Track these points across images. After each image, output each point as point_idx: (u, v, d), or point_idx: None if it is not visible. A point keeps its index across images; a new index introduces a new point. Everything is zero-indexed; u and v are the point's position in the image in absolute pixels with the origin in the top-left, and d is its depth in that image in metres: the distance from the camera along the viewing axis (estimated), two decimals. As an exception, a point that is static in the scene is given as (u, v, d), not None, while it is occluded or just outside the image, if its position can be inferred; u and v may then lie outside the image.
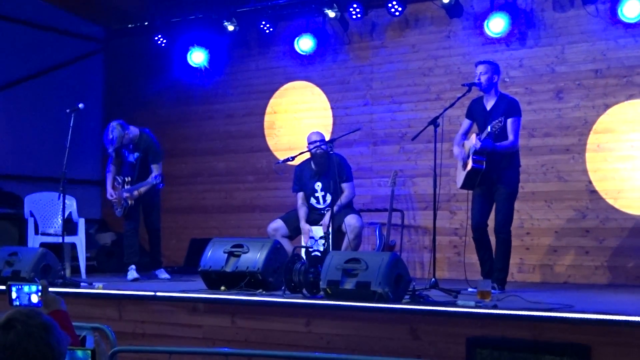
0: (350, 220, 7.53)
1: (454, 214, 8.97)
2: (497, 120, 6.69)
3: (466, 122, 7.28)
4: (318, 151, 7.81)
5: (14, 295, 3.34)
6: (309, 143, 7.92)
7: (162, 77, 10.99)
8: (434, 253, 7.02)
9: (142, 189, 8.29)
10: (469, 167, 6.89)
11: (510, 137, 6.87)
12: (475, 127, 7.18)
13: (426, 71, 9.37)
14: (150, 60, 11.06)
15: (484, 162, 6.80)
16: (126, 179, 8.36)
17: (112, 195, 8.40)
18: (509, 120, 6.89)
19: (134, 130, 8.40)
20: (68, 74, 11.20)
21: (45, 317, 2.23)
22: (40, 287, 3.27)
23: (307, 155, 8.03)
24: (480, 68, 7.10)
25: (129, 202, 8.30)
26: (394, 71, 9.59)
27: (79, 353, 2.47)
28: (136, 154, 8.39)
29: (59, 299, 3.26)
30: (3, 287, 5.80)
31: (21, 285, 3.35)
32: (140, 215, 8.53)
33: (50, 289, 3.32)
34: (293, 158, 7.79)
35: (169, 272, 9.34)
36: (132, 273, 8.22)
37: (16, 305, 3.33)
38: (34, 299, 3.30)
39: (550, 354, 4.93)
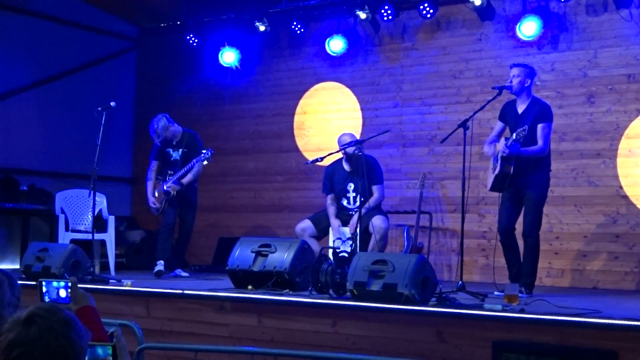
0: (377, 221, 7.53)
1: (482, 217, 8.94)
2: (521, 129, 6.68)
3: (499, 125, 7.26)
4: (355, 152, 7.79)
5: (44, 290, 3.39)
6: (344, 144, 7.90)
7: (194, 77, 11.06)
8: (462, 256, 7.00)
9: (188, 176, 8.39)
10: (497, 171, 6.88)
11: (540, 142, 6.84)
12: (508, 131, 7.15)
13: (457, 74, 9.34)
14: (182, 59, 11.13)
15: (512, 167, 6.78)
16: (169, 171, 8.48)
17: (154, 204, 8.55)
18: (539, 126, 6.86)
19: (177, 127, 8.54)
20: (101, 72, 11.30)
21: (66, 312, 2.26)
22: (69, 284, 3.31)
23: (337, 156, 8.04)
24: (514, 71, 7.07)
25: (172, 192, 8.35)
26: (425, 73, 9.57)
27: (99, 349, 2.49)
28: (180, 150, 8.51)
29: (88, 295, 3.31)
30: (32, 282, 5.87)
31: (51, 281, 3.41)
32: (177, 213, 8.60)
33: (79, 286, 3.37)
34: (322, 159, 7.81)
35: (196, 271, 9.43)
36: (159, 267, 8.32)
37: (46, 301, 3.38)
38: (63, 294, 3.35)
39: (577, 359, 4.91)
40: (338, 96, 10.18)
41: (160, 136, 8.39)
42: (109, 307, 6.58)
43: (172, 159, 8.54)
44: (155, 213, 8.61)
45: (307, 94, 10.44)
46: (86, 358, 2.50)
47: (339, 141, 8.00)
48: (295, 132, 10.51)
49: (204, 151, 8.31)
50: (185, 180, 8.39)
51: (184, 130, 8.63)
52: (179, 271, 8.55)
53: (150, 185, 8.63)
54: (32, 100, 10.57)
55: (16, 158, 10.25)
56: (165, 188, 8.37)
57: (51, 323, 2.20)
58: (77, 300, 3.27)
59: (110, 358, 2.45)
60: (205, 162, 8.37)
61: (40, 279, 3.46)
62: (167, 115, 8.51)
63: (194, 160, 8.32)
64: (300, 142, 10.43)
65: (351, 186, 7.92)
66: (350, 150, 7.81)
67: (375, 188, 7.83)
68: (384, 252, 7.55)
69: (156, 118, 8.49)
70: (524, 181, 6.87)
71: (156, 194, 8.51)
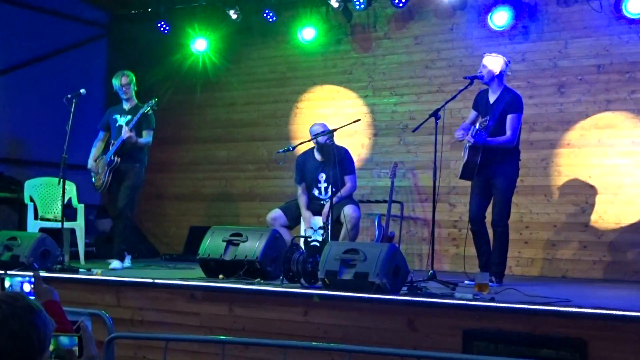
0: (348, 211, 7.54)
1: (453, 206, 8.98)
2: (483, 119, 6.75)
3: (472, 113, 7.30)
4: (327, 141, 7.78)
5: (7, 284, 3.37)
6: (315, 134, 7.87)
7: (165, 64, 10.97)
8: (432, 245, 7.04)
9: (128, 133, 7.87)
10: (465, 159, 6.93)
11: (508, 132, 6.87)
12: (480, 119, 7.19)
13: (429, 63, 9.36)
14: (153, 46, 11.03)
15: (479, 157, 6.83)
16: (112, 141, 8.10)
17: (91, 165, 8.18)
18: (509, 117, 6.89)
19: (134, 97, 8.24)
20: (71, 59, 11.17)
21: (29, 299, 2.25)
22: (32, 279, 3.29)
23: (309, 146, 8.02)
24: (485, 60, 7.11)
25: (115, 160, 7.96)
26: (397, 63, 9.58)
27: (65, 339, 2.48)
28: (129, 117, 8.11)
29: (51, 289, 3.28)
30: (0, 272, 5.81)
31: (14, 275, 3.39)
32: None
33: (49, 275, 3.36)
34: (294, 148, 7.80)
35: (167, 260, 9.36)
36: (115, 263, 8.02)
37: None
38: (27, 288, 3.33)
39: (547, 347, 4.94)
40: (310, 85, 10.16)
41: (117, 84, 8.12)
42: (79, 297, 6.54)
43: (117, 124, 8.15)
44: (98, 189, 8.22)
45: (278, 82, 10.42)
46: (51, 347, 2.49)
47: (310, 131, 7.98)
48: (267, 120, 10.48)
49: (149, 101, 7.96)
50: (126, 130, 7.85)
51: (140, 103, 8.25)
52: (114, 263, 7.99)
53: (93, 151, 8.29)
54: (0, 88, 10.44)
55: (-16, 146, 10.14)
56: (108, 158, 7.98)
57: (15, 309, 2.19)
58: (41, 295, 3.25)
59: (77, 348, 2.44)
60: (149, 111, 7.97)
61: (2, 273, 3.43)
62: (132, 75, 8.22)
63: (138, 114, 7.92)
64: (272, 131, 10.40)
65: (323, 176, 7.90)
66: (321, 139, 7.79)
67: (347, 178, 7.83)
68: (355, 241, 7.55)
69: (121, 71, 8.27)
70: (492, 170, 6.91)
71: (99, 168, 8.12)
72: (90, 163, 8.25)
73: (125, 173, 8.08)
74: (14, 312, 2.18)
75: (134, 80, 8.23)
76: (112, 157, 7.99)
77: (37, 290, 3.26)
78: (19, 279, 3.35)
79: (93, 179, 8.25)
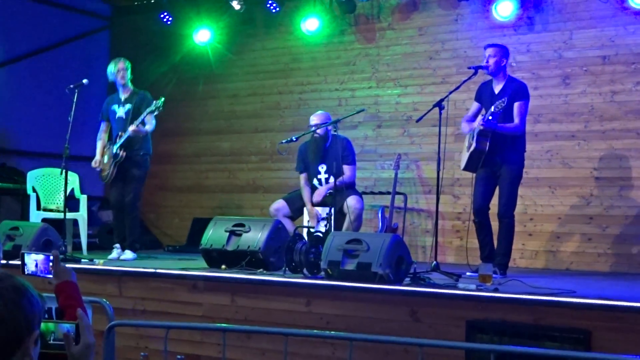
0: (351, 202, 7.50)
1: (457, 198, 8.94)
2: (500, 101, 6.64)
3: (475, 105, 7.24)
4: (315, 135, 7.75)
5: (26, 262, 3.37)
6: (314, 125, 7.84)
7: (168, 55, 10.95)
8: (436, 236, 7.00)
9: (139, 127, 7.78)
10: (472, 147, 6.85)
11: (516, 120, 6.83)
12: (484, 111, 7.13)
13: (433, 54, 9.31)
14: (155, 38, 11.01)
15: (487, 144, 6.75)
16: (119, 132, 7.95)
17: (96, 163, 8.09)
18: (516, 104, 6.84)
19: (129, 85, 8.10)
20: (74, 50, 11.17)
21: (17, 279, 2.20)
22: (51, 257, 3.28)
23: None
24: (489, 51, 7.05)
25: (121, 155, 7.85)
26: (401, 54, 9.54)
27: (65, 325, 2.46)
28: (127, 107, 7.99)
29: (69, 270, 3.29)
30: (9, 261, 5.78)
31: (31, 253, 3.39)
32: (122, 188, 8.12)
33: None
34: (297, 139, 7.76)
35: (170, 251, 9.33)
36: (113, 252, 8.00)
37: (28, 274, 3.35)
38: (42, 266, 3.32)
39: (551, 338, 4.92)
40: (313, 76, 10.13)
41: (113, 74, 8.00)
42: (82, 287, 6.38)
43: (116, 116, 8.05)
44: (104, 180, 8.13)
45: (282, 73, 10.38)
46: (52, 335, 2.46)
47: (309, 121, 7.94)
48: (271, 112, 10.45)
49: (154, 102, 7.75)
50: (133, 128, 7.75)
51: (136, 89, 8.14)
52: (126, 253, 7.94)
53: (99, 144, 8.18)
54: (3, 79, 10.43)
55: (-13, 137, 10.14)
56: (114, 151, 7.87)
57: (0, 290, 2.15)
58: (59, 275, 3.25)
59: (74, 335, 2.41)
60: (156, 113, 7.79)
61: (23, 251, 3.43)
62: (129, 62, 8.11)
63: (144, 113, 7.77)
64: (275, 123, 10.37)
65: (323, 167, 7.86)
66: (320, 131, 7.75)
67: (346, 168, 7.76)
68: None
69: (117, 57, 8.19)
70: (500, 158, 6.85)
71: (105, 159, 8.02)
72: (95, 161, 8.14)
73: (130, 163, 7.99)
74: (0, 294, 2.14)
75: (130, 67, 8.11)
76: (118, 151, 7.88)
77: (55, 270, 3.25)
78: (35, 256, 3.34)
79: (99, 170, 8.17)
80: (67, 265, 3.41)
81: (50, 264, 3.30)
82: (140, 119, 7.78)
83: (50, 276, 3.28)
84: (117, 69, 8.01)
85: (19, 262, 3.39)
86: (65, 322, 2.47)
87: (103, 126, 8.27)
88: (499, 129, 6.75)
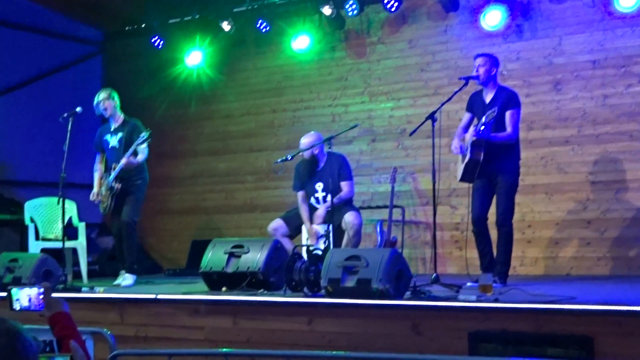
0: (349, 218, 7.51)
1: (454, 208, 8.95)
2: (491, 111, 6.66)
3: (466, 116, 7.26)
4: (305, 156, 7.80)
5: (14, 297, 3.33)
6: (304, 148, 7.84)
7: (160, 79, 10.96)
8: (435, 248, 7.01)
9: (130, 159, 7.82)
10: (467, 158, 6.86)
11: (509, 129, 6.85)
12: (476, 121, 7.15)
13: (424, 66, 9.35)
14: (147, 61, 11.04)
15: (482, 154, 6.76)
16: (114, 164, 7.97)
17: (94, 195, 8.13)
18: (508, 113, 6.86)
19: (119, 111, 8.14)
20: (66, 78, 11.19)
21: (11, 322, 2.20)
22: (42, 290, 3.26)
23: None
24: (479, 60, 7.07)
25: (116, 187, 7.92)
26: (392, 67, 9.57)
27: (59, 359, 2.45)
28: (119, 135, 8.04)
29: (61, 301, 3.27)
30: (3, 294, 5.78)
31: (22, 288, 3.35)
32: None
33: (54, 295, 3.32)
34: (292, 157, 7.76)
35: (170, 275, 9.32)
36: (119, 278, 8.03)
37: (16, 309, 3.33)
38: (36, 301, 3.30)
39: (554, 346, 4.91)
40: (306, 93, 10.16)
41: (96, 107, 8.06)
42: (83, 315, 6.49)
43: (109, 146, 8.10)
44: (102, 212, 8.23)
45: (275, 92, 10.41)
46: None
47: (300, 144, 7.96)
48: (265, 131, 10.47)
49: (142, 134, 7.78)
50: (124, 161, 7.79)
51: (127, 117, 8.19)
52: (124, 276, 8.01)
53: (96, 176, 8.23)
54: (-3, 110, 10.45)
55: (-17, 168, 10.14)
56: (109, 184, 7.93)
57: None
58: (51, 307, 3.23)
59: None
60: (144, 146, 7.84)
61: (10, 287, 3.40)
62: (114, 92, 8.15)
63: (133, 145, 7.80)
64: (270, 141, 10.39)
65: (320, 185, 7.86)
66: (307, 154, 7.79)
67: (344, 184, 7.77)
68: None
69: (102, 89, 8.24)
70: (495, 168, 6.86)
71: (103, 191, 8.07)
72: (94, 194, 8.18)
73: (127, 191, 8.05)
74: None
75: (116, 96, 8.15)
76: (113, 184, 7.95)
77: (46, 302, 3.24)
78: (27, 290, 3.31)
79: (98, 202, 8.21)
80: (63, 295, 3.39)
81: (41, 296, 3.27)
82: (130, 151, 7.82)
83: (43, 309, 3.26)
84: (98, 101, 8.08)
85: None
86: (60, 356, 2.47)
87: (98, 157, 8.32)
88: (492, 139, 6.76)
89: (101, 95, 8.08)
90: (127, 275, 7.98)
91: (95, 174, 8.28)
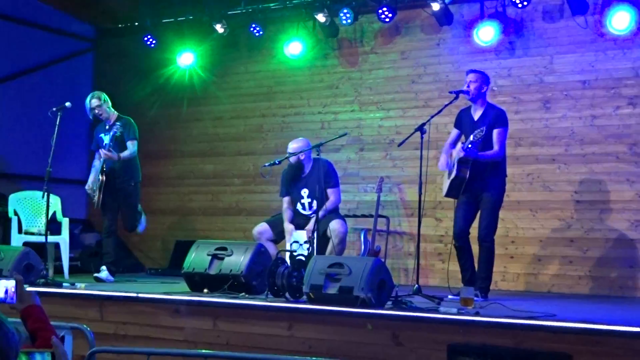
0: (335, 225, 7.52)
1: (439, 221, 8.97)
2: (478, 130, 6.70)
3: (454, 132, 7.28)
4: (291, 161, 7.84)
5: None
6: (292, 153, 7.87)
7: (151, 78, 10.95)
8: (418, 260, 7.03)
9: (104, 152, 7.98)
10: (453, 175, 6.90)
11: (495, 147, 6.88)
12: (463, 138, 7.17)
13: (415, 78, 9.38)
14: (139, 60, 11.01)
15: (468, 171, 6.80)
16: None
17: (90, 188, 8.21)
18: (495, 131, 6.90)
19: (112, 110, 8.27)
20: (57, 73, 11.15)
21: None
22: (14, 282, 3.25)
23: (294, 160, 8.01)
24: (471, 76, 7.10)
25: (101, 179, 8.01)
26: (383, 77, 9.60)
27: (38, 356, 2.44)
28: (113, 131, 8.07)
29: (33, 294, 3.25)
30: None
31: (2, 280, 3.33)
32: (117, 214, 8.34)
33: (32, 289, 3.31)
34: (279, 162, 7.77)
35: (152, 275, 9.30)
36: (102, 273, 8.07)
37: None
38: (11, 293, 3.28)
39: (532, 362, 4.93)
40: (296, 99, 10.17)
41: (89, 112, 8.17)
42: (63, 311, 6.48)
43: (104, 143, 8.14)
44: (95, 205, 8.30)
45: (265, 96, 10.42)
46: None
47: (287, 148, 7.97)
48: (254, 135, 10.47)
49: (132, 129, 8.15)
50: (103, 152, 7.95)
51: (120, 115, 8.30)
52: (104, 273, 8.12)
53: (92, 171, 8.29)
54: (-15, 101, 10.41)
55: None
56: (97, 177, 8.06)
57: None
58: (23, 300, 3.22)
59: None
60: (131, 122, 8.20)
61: None
62: (103, 95, 8.25)
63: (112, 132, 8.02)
64: (258, 145, 10.39)
65: (305, 192, 7.87)
66: (292, 159, 7.81)
67: (330, 192, 7.79)
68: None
69: (92, 93, 8.33)
70: (480, 184, 6.90)
71: (95, 186, 8.14)
72: (87, 186, 8.26)
73: (121, 191, 8.18)
74: None
75: (106, 99, 8.24)
76: (99, 177, 8.04)
77: (18, 295, 3.22)
78: (12, 282, 3.28)
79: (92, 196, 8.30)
80: (44, 290, 3.38)
81: (13, 289, 3.26)
82: (108, 143, 7.99)
83: (14, 302, 3.24)
84: (91, 108, 8.18)
85: None
86: (41, 351, 2.46)
87: (97, 155, 8.35)
88: (479, 157, 6.79)
89: (93, 103, 8.18)
90: (103, 269, 8.08)
91: (92, 169, 8.33)
